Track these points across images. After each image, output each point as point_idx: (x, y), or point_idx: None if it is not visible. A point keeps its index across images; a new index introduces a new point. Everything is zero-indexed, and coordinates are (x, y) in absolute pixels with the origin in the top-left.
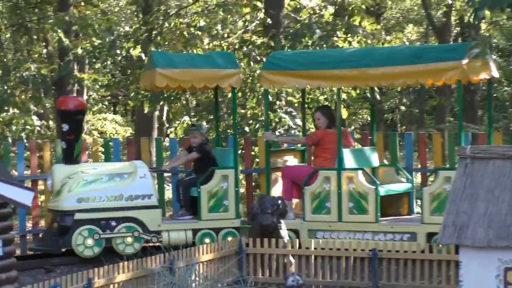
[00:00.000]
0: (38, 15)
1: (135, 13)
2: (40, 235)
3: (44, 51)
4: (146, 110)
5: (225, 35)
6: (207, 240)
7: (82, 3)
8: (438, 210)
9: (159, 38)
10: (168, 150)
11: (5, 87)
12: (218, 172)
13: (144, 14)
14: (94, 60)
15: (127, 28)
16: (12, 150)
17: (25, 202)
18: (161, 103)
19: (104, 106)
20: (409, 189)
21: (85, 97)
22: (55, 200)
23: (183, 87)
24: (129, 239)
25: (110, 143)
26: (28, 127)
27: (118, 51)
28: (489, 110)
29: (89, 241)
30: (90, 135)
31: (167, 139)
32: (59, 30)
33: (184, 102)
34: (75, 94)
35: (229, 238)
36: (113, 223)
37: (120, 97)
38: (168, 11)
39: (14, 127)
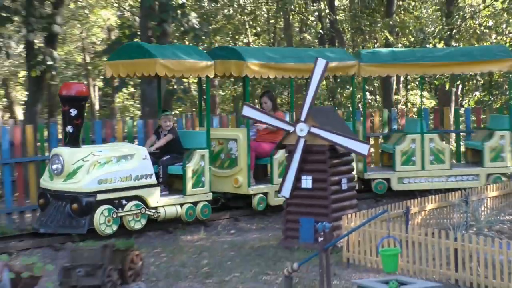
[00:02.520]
0: (370, 21)
1: (439, 17)
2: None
3: (376, 45)
4: (447, 86)
5: (507, 32)
6: (190, 213)
7: (402, 12)
8: None
9: (457, 36)
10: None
11: None
12: (196, 152)
13: (447, 18)
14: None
15: (432, 28)
16: None
17: (362, 152)
18: (457, 82)
19: (415, 84)
20: None
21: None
22: (69, 182)
23: None
24: (138, 216)
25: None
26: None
27: (427, 45)
28: None
29: (109, 220)
30: (405, 106)
31: (462, 108)
32: (385, 31)
33: (475, 81)
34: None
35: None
36: (124, 202)
37: (426, 78)
38: (465, 15)
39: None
